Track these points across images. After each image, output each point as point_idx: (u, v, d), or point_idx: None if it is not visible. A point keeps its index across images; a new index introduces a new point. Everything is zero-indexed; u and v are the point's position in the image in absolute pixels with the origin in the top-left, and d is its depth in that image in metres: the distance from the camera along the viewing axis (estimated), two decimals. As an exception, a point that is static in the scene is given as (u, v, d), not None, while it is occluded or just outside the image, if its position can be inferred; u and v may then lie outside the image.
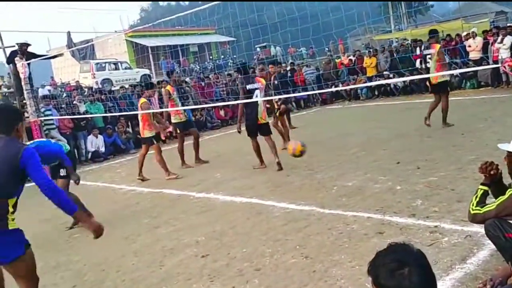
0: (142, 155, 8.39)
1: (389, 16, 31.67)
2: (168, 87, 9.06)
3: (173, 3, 74.06)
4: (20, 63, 10.05)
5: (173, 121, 9.05)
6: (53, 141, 6.05)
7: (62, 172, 5.80)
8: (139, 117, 8.45)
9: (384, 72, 15.96)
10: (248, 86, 7.66)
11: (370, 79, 15.77)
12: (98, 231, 3.32)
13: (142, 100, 8.41)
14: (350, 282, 3.49)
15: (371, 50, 18.14)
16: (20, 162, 3.00)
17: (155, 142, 8.24)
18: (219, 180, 7.66)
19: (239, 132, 7.99)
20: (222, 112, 15.72)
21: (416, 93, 15.34)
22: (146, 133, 8.24)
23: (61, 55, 13.80)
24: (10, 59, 10.59)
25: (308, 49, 28.05)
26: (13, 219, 3.16)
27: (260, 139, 7.74)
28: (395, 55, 16.72)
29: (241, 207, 5.93)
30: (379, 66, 16.68)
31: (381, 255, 1.67)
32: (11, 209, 3.14)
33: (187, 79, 18.09)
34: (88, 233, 5.70)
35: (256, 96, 7.58)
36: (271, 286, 3.65)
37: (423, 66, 15.22)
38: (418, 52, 15.72)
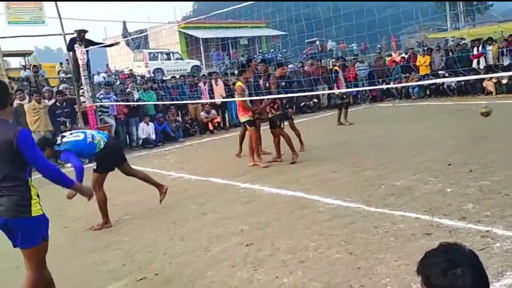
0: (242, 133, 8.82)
1: (446, 14, 30.62)
2: (240, 83, 8.24)
3: (225, -5, 74.44)
4: (79, 50, 10.48)
5: (242, 120, 8.47)
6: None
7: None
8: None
9: (440, 72, 15.48)
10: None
11: (423, 78, 15.34)
12: (90, 194, 4.02)
13: (238, 83, 8.23)
14: (396, 281, 3.46)
15: (425, 48, 17.64)
16: (16, 143, 3.09)
17: (248, 126, 8.22)
18: (264, 172, 7.72)
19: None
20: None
21: (471, 95, 14.80)
22: (240, 117, 8.34)
23: (117, 43, 14.22)
24: (70, 46, 11.05)
25: (360, 45, 27.59)
26: (36, 205, 3.27)
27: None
28: (450, 54, 16.17)
29: (286, 200, 5.96)
30: (433, 65, 16.18)
31: (432, 254, 1.66)
32: (33, 195, 3.25)
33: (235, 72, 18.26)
34: (137, 216, 5.94)
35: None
36: (314, 279, 3.67)
37: (481, 66, 14.78)
38: (475, 52, 15.25)
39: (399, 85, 14.86)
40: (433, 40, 24.96)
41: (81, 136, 5.49)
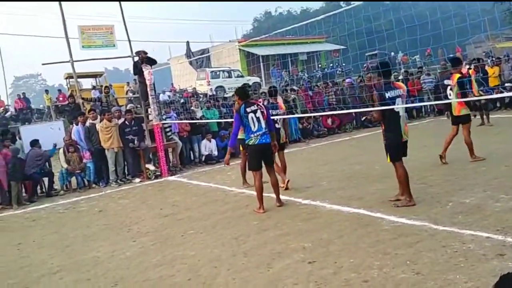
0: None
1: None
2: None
3: (285, 12, 75.30)
4: (147, 71, 10.99)
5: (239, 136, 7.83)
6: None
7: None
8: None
9: (506, 84, 14.74)
10: (388, 94, 5.95)
11: (492, 90, 14.65)
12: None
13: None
14: (466, 304, 3.32)
15: (493, 58, 16.87)
16: None
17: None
18: (325, 188, 7.68)
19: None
20: (329, 121, 15.69)
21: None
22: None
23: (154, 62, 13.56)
24: (137, 70, 11.58)
25: (423, 57, 26.87)
26: None
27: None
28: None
29: (348, 217, 5.89)
30: (502, 76, 15.43)
31: (509, 278, 1.61)
32: None
33: (294, 87, 18.37)
34: (201, 231, 6.09)
35: (398, 105, 5.98)
36: (379, 299, 3.61)
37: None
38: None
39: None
40: (502, 50, 23.81)
41: None
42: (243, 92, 6.97)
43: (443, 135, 9.42)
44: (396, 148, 6.06)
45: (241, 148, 8.38)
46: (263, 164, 6.81)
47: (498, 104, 15.23)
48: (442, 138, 9.62)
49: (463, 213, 5.33)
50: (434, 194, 6.31)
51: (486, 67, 15.97)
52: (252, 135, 6.61)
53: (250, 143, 6.67)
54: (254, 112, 6.58)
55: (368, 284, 3.90)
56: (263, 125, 6.59)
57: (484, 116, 12.20)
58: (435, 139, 11.03)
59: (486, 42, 26.39)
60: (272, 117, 7.12)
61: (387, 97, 5.95)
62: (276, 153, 7.54)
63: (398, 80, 17.16)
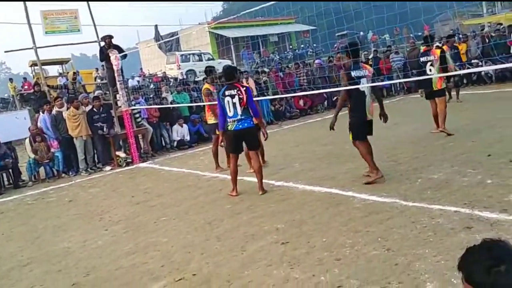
0: None
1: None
2: (207, 86, 8.65)
3: (255, -7, 74.32)
4: (114, 56, 10.72)
5: (209, 122, 8.64)
6: None
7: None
8: None
9: (473, 60, 15.01)
10: (353, 73, 6.07)
11: (460, 66, 14.91)
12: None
13: (204, 86, 8.52)
14: (435, 277, 3.39)
15: (460, 36, 17.14)
16: None
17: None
18: (298, 169, 7.70)
19: (333, 129, 6.29)
20: (301, 102, 15.71)
21: (510, 82, 14.29)
22: (209, 120, 8.50)
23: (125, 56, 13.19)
24: (103, 56, 11.28)
25: (392, 36, 27.13)
26: None
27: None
28: (487, 41, 15.65)
29: (321, 197, 5.93)
30: (469, 53, 15.70)
31: (475, 251, 1.62)
32: None
33: (265, 69, 18.30)
34: (174, 217, 6.05)
35: (363, 85, 6.09)
36: (351, 276, 3.64)
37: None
38: (514, 37, 14.70)
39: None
40: (469, 26, 24.22)
41: None
42: (228, 73, 6.68)
43: (412, 113, 9.63)
44: (359, 127, 6.18)
45: (217, 132, 8.16)
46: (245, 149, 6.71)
47: (465, 81, 15.51)
48: (412, 115, 9.79)
49: (431, 189, 5.43)
50: (403, 171, 6.41)
51: (455, 44, 16.22)
52: (229, 120, 6.45)
53: (227, 129, 6.53)
54: (232, 96, 6.37)
55: (341, 262, 3.94)
56: (239, 111, 6.36)
57: (453, 93, 12.39)
58: (405, 117, 11.20)
59: (453, 19, 26.77)
60: None
61: (353, 75, 6.07)
62: None
63: (368, 60, 17.35)
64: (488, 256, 1.56)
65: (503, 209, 4.43)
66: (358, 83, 6.06)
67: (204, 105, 9.30)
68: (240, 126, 6.41)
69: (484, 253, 1.58)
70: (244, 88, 6.46)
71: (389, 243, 4.12)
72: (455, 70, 10.28)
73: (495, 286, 1.52)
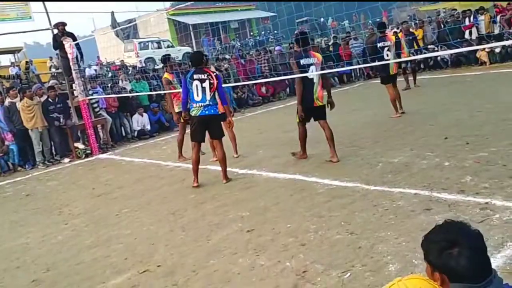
0: None
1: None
2: (166, 75, 8.52)
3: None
4: (68, 44, 10.33)
5: (176, 110, 8.23)
6: None
7: None
8: None
9: (429, 46, 15.38)
10: (302, 61, 6.41)
11: (416, 51, 15.24)
12: None
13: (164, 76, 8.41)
14: (397, 259, 3.46)
15: (417, 21, 17.50)
16: None
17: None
18: (261, 156, 7.70)
19: (303, 116, 6.55)
20: (263, 89, 15.69)
21: (465, 66, 14.76)
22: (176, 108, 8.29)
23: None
24: (56, 44, 10.85)
25: (352, 22, 27.41)
26: None
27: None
28: (442, 26, 16.05)
29: (284, 184, 5.95)
30: (425, 38, 16.07)
31: (435, 232, 1.65)
32: None
33: (226, 56, 18.15)
34: (136, 209, 5.94)
35: (312, 73, 6.40)
36: (316, 261, 3.68)
37: (473, 37, 14.69)
38: (467, 22, 15.13)
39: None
40: (425, 12, 24.76)
41: None
42: (197, 58, 6.52)
43: (372, 98, 9.79)
44: (305, 112, 6.50)
45: (181, 120, 7.73)
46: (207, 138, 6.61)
47: (422, 66, 15.88)
48: (372, 101, 9.96)
49: (392, 172, 5.54)
50: (364, 156, 6.51)
51: (411, 30, 16.55)
52: (195, 105, 6.23)
53: (192, 114, 6.30)
54: (201, 81, 6.19)
55: (305, 247, 3.97)
56: (208, 97, 6.19)
57: (411, 78, 12.67)
58: (365, 102, 11.39)
59: (409, 6, 27.30)
60: None
61: (302, 63, 6.40)
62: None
63: (329, 46, 17.48)
64: (443, 238, 1.59)
65: (460, 190, 4.57)
66: (307, 71, 6.36)
67: (164, 94, 9.10)
68: (207, 112, 6.24)
69: (441, 234, 1.62)
70: (215, 74, 6.37)
71: (352, 227, 4.18)
72: (409, 56, 10.59)
73: (445, 267, 1.55)
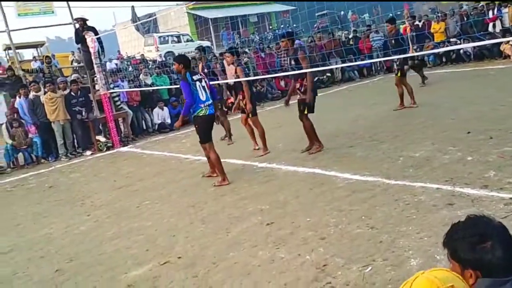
0: None
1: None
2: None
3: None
4: (90, 38, 10.46)
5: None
6: None
7: None
8: None
9: (451, 39, 15.10)
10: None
11: (438, 45, 14.98)
12: None
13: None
14: (419, 254, 3.43)
15: (439, 14, 17.19)
16: None
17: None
18: (281, 150, 7.70)
19: (313, 105, 6.94)
20: (282, 83, 15.64)
21: (488, 59, 14.46)
22: None
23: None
24: (78, 38, 11.00)
25: (372, 15, 27.10)
26: None
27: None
28: (465, 19, 15.74)
29: (304, 177, 5.94)
30: (448, 31, 15.79)
31: (460, 227, 1.61)
32: None
33: (246, 50, 18.12)
34: (157, 201, 6.00)
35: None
36: (336, 255, 3.67)
37: (497, 29, 14.38)
38: (491, 15, 14.81)
39: (414, 54, 14.68)
40: (448, 5, 24.30)
41: None
42: (187, 59, 6.53)
43: (392, 92, 9.67)
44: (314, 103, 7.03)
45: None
46: None
47: (444, 59, 15.62)
48: (391, 94, 9.84)
49: (413, 167, 5.48)
50: (385, 150, 6.45)
51: (433, 23, 16.28)
52: (202, 105, 6.20)
53: (200, 114, 6.23)
54: (200, 80, 6.25)
55: (325, 241, 3.97)
56: (208, 95, 6.26)
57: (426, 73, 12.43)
58: (385, 96, 11.26)
59: (431, -2, 26.86)
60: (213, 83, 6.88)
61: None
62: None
63: (349, 40, 17.30)
64: (473, 233, 1.56)
65: (483, 185, 4.50)
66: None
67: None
68: (212, 111, 6.30)
69: (469, 229, 1.58)
70: (203, 73, 6.45)
71: (373, 221, 4.16)
72: (413, 52, 10.58)
73: (480, 262, 1.53)
